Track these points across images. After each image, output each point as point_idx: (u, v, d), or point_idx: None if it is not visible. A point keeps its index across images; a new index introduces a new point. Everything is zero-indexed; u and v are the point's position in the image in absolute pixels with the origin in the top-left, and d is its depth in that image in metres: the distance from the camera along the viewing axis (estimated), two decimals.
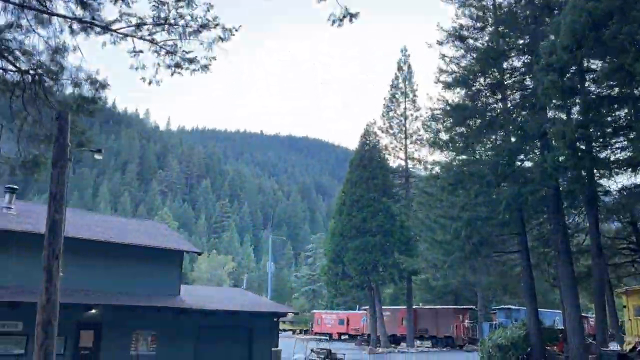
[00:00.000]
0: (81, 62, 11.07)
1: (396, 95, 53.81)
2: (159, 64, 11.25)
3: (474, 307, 55.02)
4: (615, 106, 21.79)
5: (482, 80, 28.93)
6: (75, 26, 10.63)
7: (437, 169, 31.01)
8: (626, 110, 21.71)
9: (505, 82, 28.44)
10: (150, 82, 11.53)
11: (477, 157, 27.57)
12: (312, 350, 29.44)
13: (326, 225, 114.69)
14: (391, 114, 53.53)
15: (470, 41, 29.46)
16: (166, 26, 10.47)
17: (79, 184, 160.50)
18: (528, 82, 27.82)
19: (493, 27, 28.60)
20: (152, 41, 10.62)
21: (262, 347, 27.72)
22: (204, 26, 10.49)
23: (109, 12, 11.11)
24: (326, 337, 49.90)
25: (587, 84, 23.05)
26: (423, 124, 39.99)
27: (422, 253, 35.46)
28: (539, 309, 27.82)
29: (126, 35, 10.45)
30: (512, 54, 28.25)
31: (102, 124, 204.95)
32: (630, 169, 22.55)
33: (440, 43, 29.71)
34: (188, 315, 24.60)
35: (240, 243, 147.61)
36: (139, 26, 10.43)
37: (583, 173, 23.66)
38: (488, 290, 49.79)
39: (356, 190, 48.71)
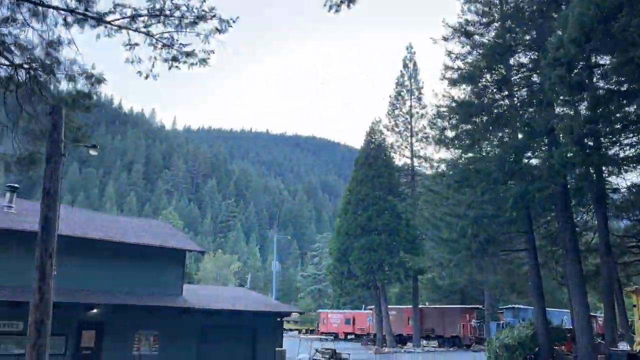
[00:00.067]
0: (76, 56, 10.73)
1: (402, 93, 53.47)
2: (155, 58, 10.99)
3: (481, 306, 54.58)
4: (625, 102, 21.35)
5: (488, 76, 28.55)
6: (70, 19, 10.37)
7: (443, 166, 30.71)
8: (635, 106, 21.27)
9: (512, 79, 28.08)
10: (147, 76, 11.28)
11: (484, 154, 27.20)
12: (316, 350, 29.16)
13: (332, 224, 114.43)
14: (397, 111, 53.20)
15: (477, 37, 29.09)
16: (162, 18, 10.20)
17: (85, 184, 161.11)
18: (535, 78, 27.44)
19: (499, 22, 28.20)
20: (147, 33, 10.35)
21: (266, 347, 27.45)
22: (201, 18, 10.21)
23: (103, 5, 10.88)
24: (332, 336, 49.67)
25: (595, 79, 22.65)
26: (429, 121, 39.67)
27: (428, 252, 35.18)
28: (546, 308, 27.46)
29: (121, 27, 10.19)
30: (519, 50, 27.85)
31: (109, 124, 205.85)
32: (639, 166, 22.16)
33: (445, 39, 29.33)
34: (191, 315, 24.36)
35: (246, 242, 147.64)
36: (133, 18, 10.16)
37: (591, 170, 23.29)
38: (495, 290, 49.38)
39: (361, 189, 48.38)
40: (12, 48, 11.85)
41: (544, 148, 26.13)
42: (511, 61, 28.26)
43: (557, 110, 24.88)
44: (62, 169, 10.11)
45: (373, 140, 51.01)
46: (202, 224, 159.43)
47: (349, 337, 61.70)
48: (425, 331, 51.46)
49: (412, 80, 53.57)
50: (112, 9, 10.01)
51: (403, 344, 51.28)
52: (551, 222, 29.50)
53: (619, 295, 28.55)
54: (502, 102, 28.42)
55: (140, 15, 10.13)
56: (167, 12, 10.12)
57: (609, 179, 24.79)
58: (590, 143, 22.01)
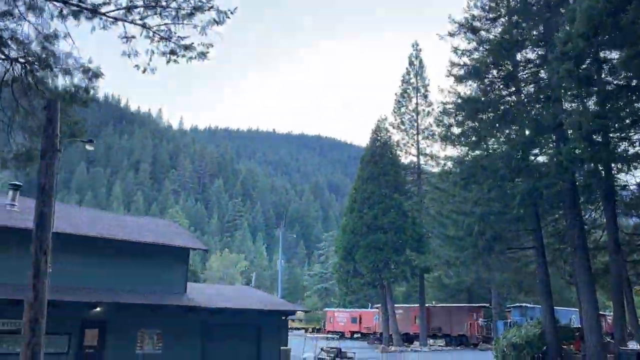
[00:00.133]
0: (72, 49, 10.53)
1: (407, 91, 53.12)
2: (153, 51, 10.77)
3: (488, 305, 54.17)
4: (634, 97, 20.97)
5: (495, 72, 28.21)
6: (65, 10, 10.17)
7: (449, 164, 30.37)
8: None
9: (519, 75, 27.72)
10: (144, 70, 11.06)
11: (490, 151, 26.88)
12: (321, 349, 28.93)
13: (339, 223, 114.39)
14: (402, 109, 52.87)
15: (483, 33, 28.73)
16: (158, 9, 9.98)
17: (92, 183, 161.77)
18: (542, 74, 27.07)
19: (506, 17, 27.85)
20: (143, 26, 10.13)
21: (271, 345, 27.26)
22: (198, 9, 9.98)
23: None
24: (338, 335, 49.43)
25: (603, 74, 22.26)
26: (435, 119, 39.33)
27: (434, 250, 34.87)
28: (554, 307, 27.12)
29: (116, 19, 9.98)
30: (526, 45, 27.48)
31: (116, 124, 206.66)
32: None
33: (451, 35, 28.98)
34: (195, 314, 24.18)
35: (253, 242, 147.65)
36: (129, 9, 9.94)
37: (600, 167, 22.92)
38: (502, 288, 48.92)
39: (367, 187, 48.08)
40: (9, 42, 11.70)
41: (551, 145, 25.79)
42: (518, 57, 27.92)
43: (565, 106, 24.54)
44: (57, 164, 9.90)
45: (379, 138, 50.69)
46: (209, 223, 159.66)
47: (355, 335, 61.44)
48: (432, 330, 51.12)
49: (418, 78, 53.22)
50: (107, 0, 9.81)
51: (410, 342, 50.98)
52: (559, 220, 29.14)
53: (629, 294, 28.11)
54: (508, 98, 28.08)
55: (136, 7, 9.92)
56: (163, 3, 9.90)
57: (618, 175, 24.38)
58: (599, 139, 21.65)
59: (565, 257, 28.77)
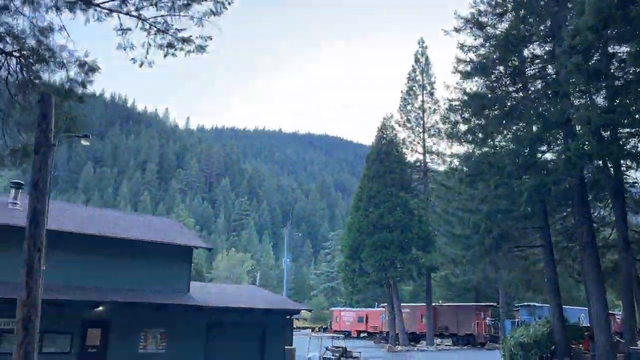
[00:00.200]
0: (67, 42, 10.30)
1: (413, 88, 52.75)
2: (149, 44, 10.53)
3: (495, 304, 53.75)
4: None
5: (501, 68, 27.85)
6: (60, 2, 9.93)
7: (455, 161, 30.06)
8: None
9: (526, 71, 27.34)
10: (141, 64, 10.81)
11: (497, 148, 26.53)
12: (326, 349, 28.66)
13: (345, 222, 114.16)
14: (408, 107, 52.52)
15: (489, 29, 28.38)
16: (153, 0, 9.73)
17: (99, 183, 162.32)
18: (550, 70, 26.68)
19: (513, 12, 27.45)
20: (139, 17, 9.89)
21: (276, 345, 27.00)
22: None
23: None
24: (343, 334, 49.13)
25: (613, 69, 21.86)
26: (441, 116, 39.01)
27: (440, 248, 34.57)
28: (563, 306, 26.76)
29: (111, 10, 9.73)
30: (533, 40, 27.08)
31: (123, 124, 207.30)
32: None
33: (457, 30, 28.63)
34: (198, 313, 23.95)
35: (259, 241, 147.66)
36: (124, 0, 9.70)
37: (609, 163, 22.53)
38: (510, 287, 48.50)
39: (373, 185, 47.76)
40: (6, 37, 11.50)
41: (559, 141, 25.42)
42: (525, 52, 27.57)
43: (573, 101, 24.14)
44: (51, 160, 9.68)
45: (385, 136, 50.33)
46: (216, 222, 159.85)
47: (362, 335, 61.20)
48: (439, 329, 50.75)
49: (424, 75, 52.84)
50: None
51: (416, 342, 50.65)
52: (567, 218, 28.78)
53: (638, 293, 27.70)
54: (515, 94, 27.71)
55: None
56: None
57: (628, 172, 23.99)
58: (608, 135, 21.26)
59: (573, 255, 28.40)
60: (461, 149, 29.56)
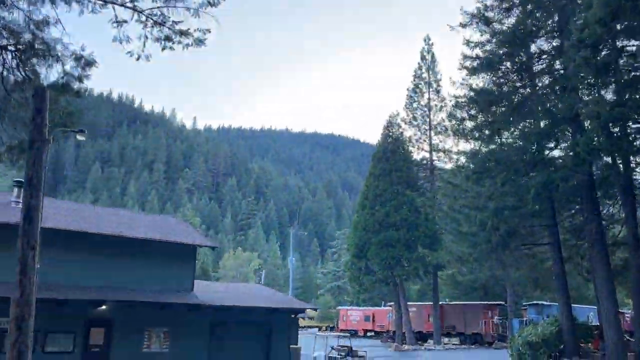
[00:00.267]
0: (62, 36, 10.10)
1: (419, 86, 52.32)
2: (146, 37, 10.30)
3: (503, 303, 53.22)
4: None
5: (508, 64, 27.53)
6: None
7: (462, 159, 29.77)
8: None
9: (533, 67, 26.97)
10: (138, 57, 10.59)
11: (504, 144, 26.17)
12: (332, 348, 28.40)
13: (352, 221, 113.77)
14: (415, 104, 52.07)
15: (496, 25, 28.01)
16: None
17: (107, 183, 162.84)
18: (558, 65, 26.29)
19: (520, 7, 27.08)
20: (134, 8, 9.66)
21: (281, 344, 26.80)
22: None
23: None
24: (350, 333, 48.84)
25: (622, 62, 21.46)
26: (448, 113, 38.62)
27: (447, 246, 34.23)
28: (572, 304, 26.39)
29: (105, 1, 9.52)
30: (540, 35, 26.70)
31: (130, 124, 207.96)
32: None
33: (463, 25, 28.28)
34: (202, 312, 23.77)
35: (266, 240, 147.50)
36: None
37: (618, 159, 22.13)
38: (518, 285, 48.08)
39: (379, 184, 47.40)
40: (2, 31, 11.32)
41: (568, 136, 25.05)
42: (532, 48, 27.25)
43: (582, 96, 23.75)
44: (46, 155, 9.48)
45: (391, 134, 49.92)
46: (223, 222, 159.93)
47: (368, 334, 60.92)
48: (446, 328, 50.35)
49: (430, 72, 52.41)
50: None
51: (423, 341, 50.29)
52: (576, 215, 28.39)
53: None
54: (523, 90, 27.36)
55: None
56: None
57: (638, 169, 23.57)
58: (617, 131, 20.87)
59: (582, 253, 28.00)
60: (468, 146, 29.27)
